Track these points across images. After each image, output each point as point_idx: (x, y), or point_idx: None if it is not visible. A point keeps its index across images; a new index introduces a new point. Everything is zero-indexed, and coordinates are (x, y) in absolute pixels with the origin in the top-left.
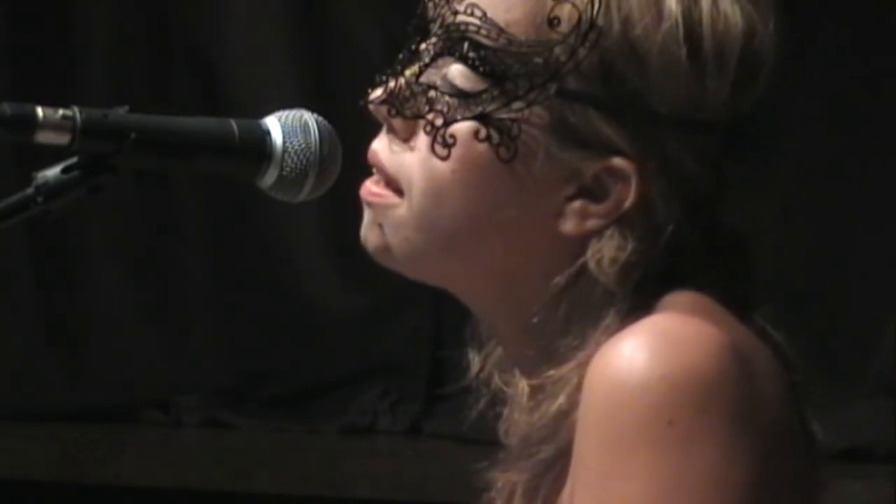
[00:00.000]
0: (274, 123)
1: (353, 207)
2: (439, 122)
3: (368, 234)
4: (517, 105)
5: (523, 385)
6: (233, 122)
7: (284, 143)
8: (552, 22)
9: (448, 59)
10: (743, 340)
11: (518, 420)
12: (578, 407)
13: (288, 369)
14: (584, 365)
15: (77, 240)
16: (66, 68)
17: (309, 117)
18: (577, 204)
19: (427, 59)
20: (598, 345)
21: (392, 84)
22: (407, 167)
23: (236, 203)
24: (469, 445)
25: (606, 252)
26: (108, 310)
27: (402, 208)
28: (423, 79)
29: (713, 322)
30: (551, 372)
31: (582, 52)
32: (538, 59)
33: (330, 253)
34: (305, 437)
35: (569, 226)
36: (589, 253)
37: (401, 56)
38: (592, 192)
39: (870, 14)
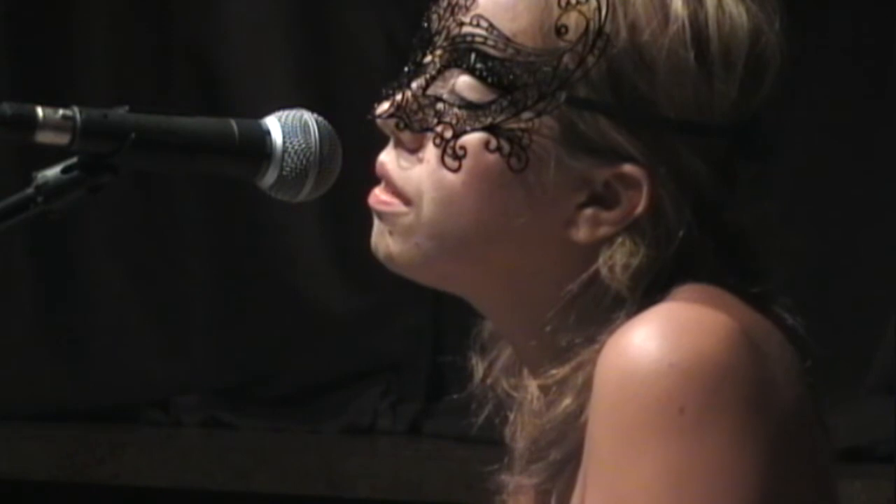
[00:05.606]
0: (274, 123)
1: (353, 207)
2: (449, 134)
3: (378, 241)
4: (527, 115)
5: (532, 387)
6: (233, 122)
7: (284, 143)
8: (559, 30)
9: (455, 70)
10: (753, 325)
11: (526, 423)
12: (587, 407)
13: (288, 369)
14: (591, 363)
15: (77, 240)
16: (66, 68)
17: (309, 117)
18: (588, 211)
19: (434, 72)
20: (605, 343)
21: (399, 97)
22: (416, 179)
23: (236, 203)
24: (469, 445)
25: (618, 259)
26: (107, 310)
27: (410, 216)
28: (430, 91)
29: (721, 308)
30: (556, 370)
31: (590, 59)
32: (546, 68)
33: (330, 253)
34: (305, 437)
35: (580, 233)
36: (601, 260)
37: (406, 69)
38: (603, 198)
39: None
